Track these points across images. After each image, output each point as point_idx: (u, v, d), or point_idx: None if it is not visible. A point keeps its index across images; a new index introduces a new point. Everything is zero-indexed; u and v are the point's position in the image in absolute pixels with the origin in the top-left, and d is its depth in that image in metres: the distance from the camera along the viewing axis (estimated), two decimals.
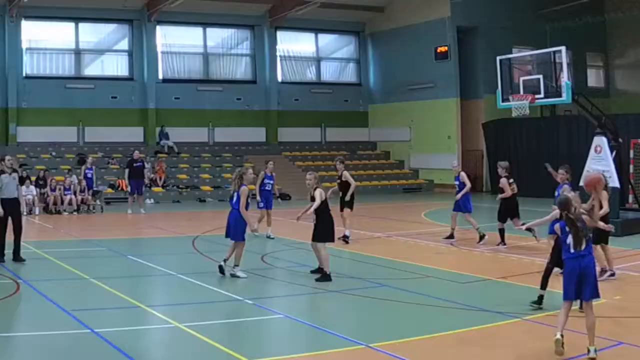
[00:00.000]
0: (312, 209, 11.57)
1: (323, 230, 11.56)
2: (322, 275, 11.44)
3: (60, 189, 22.97)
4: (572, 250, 7.56)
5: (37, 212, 22.40)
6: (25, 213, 21.87)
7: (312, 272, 11.90)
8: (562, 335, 7.32)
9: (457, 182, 16.02)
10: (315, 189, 11.65)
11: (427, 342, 8.05)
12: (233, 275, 11.60)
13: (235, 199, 11.68)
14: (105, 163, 28.95)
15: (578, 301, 7.60)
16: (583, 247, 7.54)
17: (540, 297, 9.45)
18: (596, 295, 7.50)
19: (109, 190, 26.66)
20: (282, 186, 25.99)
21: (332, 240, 11.72)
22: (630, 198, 20.00)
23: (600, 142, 17.25)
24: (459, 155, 31.53)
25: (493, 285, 11.37)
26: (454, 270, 12.65)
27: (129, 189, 24.11)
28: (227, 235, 11.86)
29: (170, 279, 11.99)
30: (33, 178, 23.53)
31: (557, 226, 7.99)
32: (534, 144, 28.92)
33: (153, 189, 27.55)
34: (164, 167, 28.85)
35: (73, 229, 19.31)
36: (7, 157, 14.64)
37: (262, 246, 15.35)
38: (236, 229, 11.67)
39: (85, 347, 7.71)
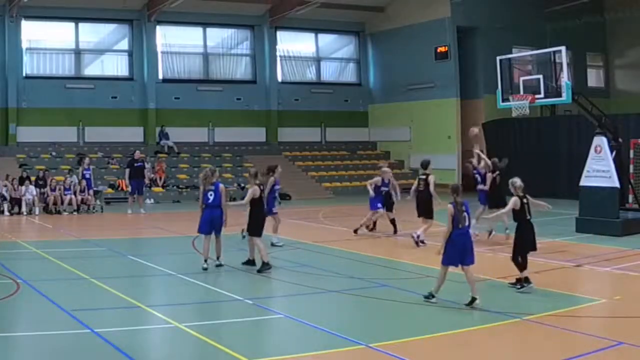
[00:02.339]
0: (240, 204, 12.95)
1: (253, 225, 12.43)
2: (263, 264, 12.13)
3: (60, 189, 22.96)
4: (459, 226, 9.58)
5: (37, 212, 22.38)
6: (25, 213, 22.04)
7: (243, 263, 12.69)
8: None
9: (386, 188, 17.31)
10: (251, 186, 12.58)
11: (428, 342, 8.05)
12: (219, 265, 12.45)
13: (213, 196, 12.40)
14: (105, 163, 28.95)
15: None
16: (466, 224, 9.69)
17: (526, 279, 10.63)
18: (474, 261, 9.76)
19: (109, 190, 26.64)
20: (282, 186, 25.93)
21: (258, 235, 12.42)
22: (630, 198, 19.98)
23: (600, 142, 17.23)
24: (458, 155, 31.51)
25: (493, 285, 11.36)
26: (455, 270, 12.63)
27: (129, 189, 24.10)
28: (211, 232, 12.50)
29: (170, 279, 11.99)
30: (33, 178, 23.52)
31: (449, 206, 9.66)
32: (534, 144, 28.87)
33: (153, 189, 27.55)
34: (164, 167, 28.85)
35: (73, 229, 19.31)
36: None
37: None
38: (221, 224, 12.49)
39: (85, 347, 7.71)
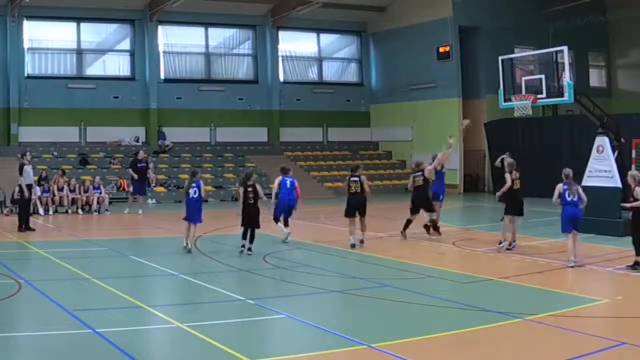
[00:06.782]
0: None
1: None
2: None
3: (62, 189, 22.90)
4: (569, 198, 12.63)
5: (41, 213, 22.27)
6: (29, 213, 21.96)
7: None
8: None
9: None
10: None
11: (429, 342, 8.04)
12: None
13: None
14: (107, 163, 28.98)
15: None
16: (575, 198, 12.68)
17: None
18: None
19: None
20: None
21: None
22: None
23: (603, 142, 17.20)
24: (460, 154, 31.49)
25: (494, 285, 11.36)
26: (456, 270, 12.65)
27: (130, 188, 24.04)
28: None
29: (172, 279, 11.99)
30: (35, 178, 23.47)
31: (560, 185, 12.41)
32: (536, 144, 28.86)
33: (155, 189, 27.56)
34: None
35: (75, 229, 19.32)
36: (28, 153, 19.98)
37: (263, 246, 15.30)
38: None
39: (87, 347, 7.71)
